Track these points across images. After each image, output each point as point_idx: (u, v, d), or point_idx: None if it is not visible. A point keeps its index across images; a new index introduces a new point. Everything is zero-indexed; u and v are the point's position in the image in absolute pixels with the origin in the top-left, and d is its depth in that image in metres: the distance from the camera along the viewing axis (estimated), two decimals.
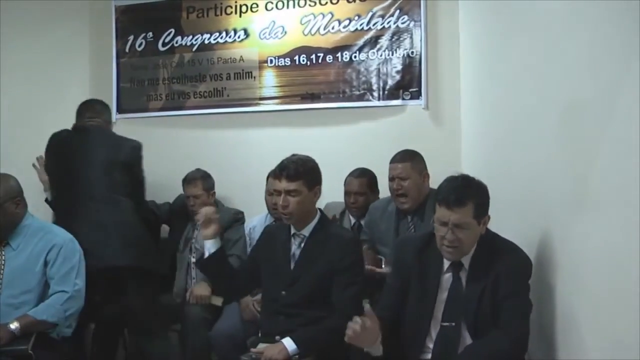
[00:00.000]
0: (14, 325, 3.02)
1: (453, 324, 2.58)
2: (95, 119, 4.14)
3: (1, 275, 3.18)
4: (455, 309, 2.60)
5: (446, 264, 2.64)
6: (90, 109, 4.18)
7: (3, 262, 3.20)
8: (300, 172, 2.95)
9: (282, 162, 3.01)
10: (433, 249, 2.66)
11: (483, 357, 2.47)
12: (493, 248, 2.58)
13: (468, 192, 2.54)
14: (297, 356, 2.82)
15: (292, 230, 3.08)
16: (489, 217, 2.60)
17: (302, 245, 3.05)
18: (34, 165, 4.43)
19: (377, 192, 4.16)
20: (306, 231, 3.06)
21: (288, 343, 2.84)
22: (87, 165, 3.90)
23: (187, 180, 4.34)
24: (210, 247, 3.08)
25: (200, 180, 4.31)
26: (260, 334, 3.18)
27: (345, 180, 4.20)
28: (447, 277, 2.64)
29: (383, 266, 3.68)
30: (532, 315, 2.53)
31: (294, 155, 3.06)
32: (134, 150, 4.02)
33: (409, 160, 3.74)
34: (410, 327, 2.68)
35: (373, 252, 3.78)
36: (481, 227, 2.57)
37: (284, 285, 3.01)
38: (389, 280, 2.92)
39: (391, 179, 3.76)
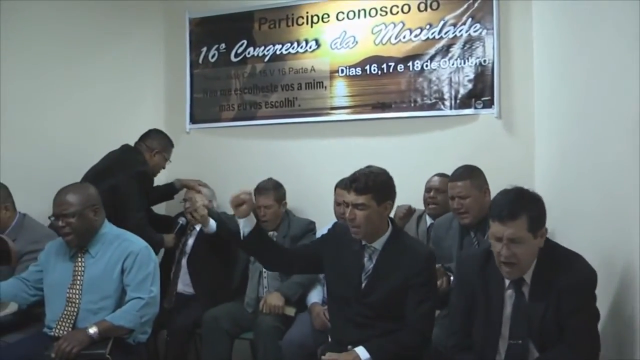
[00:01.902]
0: (92, 330, 3.09)
1: (520, 341, 2.53)
2: (140, 142, 4.58)
3: (81, 281, 3.26)
4: (520, 325, 2.54)
5: (508, 279, 2.59)
6: (146, 133, 4.63)
7: (83, 269, 3.28)
8: (369, 186, 2.88)
9: (355, 173, 2.94)
10: (494, 265, 2.60)
11: None
12: (554, 261, 2.52)
13: (520, 205, 2.47)
14: None
15: (363, 242, 3.02)
16: (546, 230, 2.53)
17: (375, 258, 3.00)
18: None
19: None
20: (378, 244, 3.00)
21: (361, 352, 2.83)
22: (92, 177, 4.20)
23: (259, 190, 4.37)
24: (244, 226, 2.98)
25: (272, 190, 4.34)
26: (330, 339, 3.17)
27: (428, 180, 4.19)
28: (510, 293, 2.59)
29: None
30: (608, 328, 2.48)
31: (368, 166, 2.98)
32: (129, 176, 4.27)
33: (468, 178, 3.64)
34: (479, 345, 2.64)
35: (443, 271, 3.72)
36: (538, 240, 2.50)
37: (355, 296, 2.96)
38: (454, 300, 2.87)
39: (451, 198, 3.67)
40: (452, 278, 3.67)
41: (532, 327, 2.50)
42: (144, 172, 4.41)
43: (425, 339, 2.92)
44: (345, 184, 2.98)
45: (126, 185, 4.24)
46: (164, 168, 4.70)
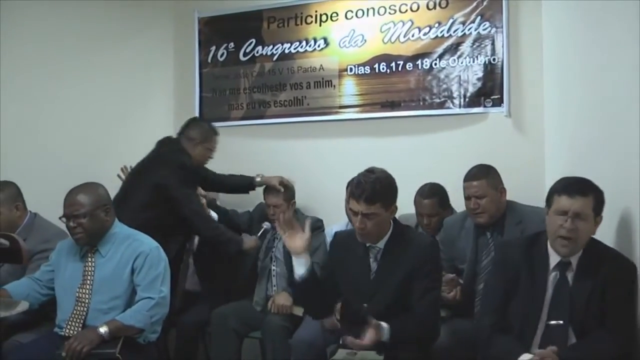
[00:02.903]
0: (103, 329, 3.09)
1: (561, 322, 2.57)
2: (180, 134, 4.33)
3: (91, 281, 3.27)
4: (560, 308, 2.59)
5: (552, 262, 2.66)
6: (186, 123, 4.40)
7: (93, 268, 3.29)
8: (378, 193, 2.85)
9: (360, 180, 2.90)
10: (539, 249, 2.70)
11: (589, 356, 2.47)
12: (599, 251, 2.61)
13: (589, 185, 2.61)
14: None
15: (367, 244, 3.02)
16: (601, 218, 2.61)
17: (379, 257, 3.00)
18: (118, 175, 4.56)
19: (450, 208, 4.06)
20: (381, 244, 3.00)
21: (385, 331, 2.78)
22: (133, 179, 4.14)
23: (269, 190, 4.38)
24: (298, 266, 2.91)
25: (280, 192, 4.34)
26: (341, 342, 3.17)
27: (415, 200, 4.03)
28: (554, 276, 2.65)
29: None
30: None
31: (370, 171, 2.94)
32: (170, 171, 4.04)
33: (484, 177, 3.62)
34: (518, 326, 2.68)
35: (452, 280, 3.67)
36: (595, 225, 2.60)
37: (364, 298, 2.96)
38: (491, 281, 2.90)
39: (467, 198, 3.64)
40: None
41: (574, 311, 2.56)
42: (182, 162, 4.15)
43: (433, 329, 2.92)
44: (353, 194, 2.92)
45: (170, 183, 4.01)
46: (211, 157, 4.45)
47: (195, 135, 4.31)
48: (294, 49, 5.00)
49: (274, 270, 4.28)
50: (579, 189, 2.57)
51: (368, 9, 4.75)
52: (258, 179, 4.54)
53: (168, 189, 3.99)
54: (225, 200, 4.86)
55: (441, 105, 4.56)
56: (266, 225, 4.38)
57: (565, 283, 2.62)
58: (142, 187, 3.99)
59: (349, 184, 4.03)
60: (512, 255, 2.79)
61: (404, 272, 2.91)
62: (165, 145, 4.29)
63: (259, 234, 4.34)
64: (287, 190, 4.37)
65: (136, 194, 4.01)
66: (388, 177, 2.95)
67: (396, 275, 2.93)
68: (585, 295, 2.54)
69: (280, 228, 3.00)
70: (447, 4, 4.52)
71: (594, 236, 2.65)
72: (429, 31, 4.57)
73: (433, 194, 4.00)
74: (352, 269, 3.05)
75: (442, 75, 4.55)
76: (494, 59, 4.41)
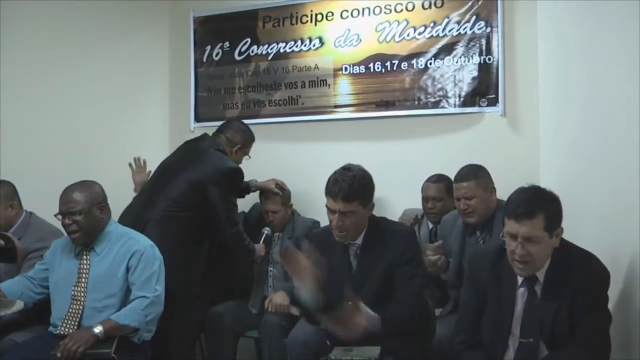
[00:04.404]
0: (97, 329, 3.09)
1: (531, 340, 2.51)
2: (219, 134, 4.22)
3: (86, 279, 3.27)
4: (531, 324, 2.53)
5: (520, 277, 2.57)
6: (225, 124, 4.30)
7: (88, 267, 3.29)
8: (355, 191, 2.87)
9: (336, 179, 2.91)
10: (506, 262, 2.58)
11: None
12: (568, 260, 2.50)
13: (537, 204, 2.46)
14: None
15: (345, 242, 3.03)
16: (562, 230, 2.51)
17: (359, 253, 3.01)
18: (130, 164, 4.54)
19: (453, 199, 4.10)
20: (359, 240, 3.02)
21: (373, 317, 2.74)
22: (166, 175, 4.01)
23: (266, 196, 4.37)
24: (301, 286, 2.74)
25: (278, 195, 4.33)
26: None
27: (423, 186, 4.15)
28: (522, 292, 2.58)
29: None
30: (614, 327, 2.46)
31: (347, 169, 2.96)
32: (219, 173, 3.91)
33: (473, 178, 3.64)
34: (488, 343, 2.64)
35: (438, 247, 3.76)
36: (554, 240, 2.48)
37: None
38: (465, 297, 2.86)
39: (457, 199, 3.67)
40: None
41: (544, 326, 2.49)
42: (232, 167, 4.01)
43: (416, 314, 2.88)
44: (330, 192, 2.92)
45: (217, 183, 3.88)
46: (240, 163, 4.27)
47: (238, 139, 4.23)
48: (289, 48, 4.99)
49: (270, 272, 4.29)
50: (526, 212, 2.42)
51: (363, 9, 4.74)
52: (253, 184, 4.48)
53: (209, 190, 3.86)
54: None
55: (436, 105, 4.55)
56: (267, 230, 4.33)
57: (534, 298, 2.54)
58: (176, 182, 3.89)
59: None
60: (480, 268, 2.73)
61: (384, 265, 2.92)
62: (205, 142, 4.17)
63: (262, 240, 4.27)
64: (283, 193, 4.36)
65: (168, 189, 3.89)
66: (365, 174, 2.97)
67: (377, 269, 2.94)
68: (553, 310, 2.47)
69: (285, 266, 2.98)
70: (443, 3, 4.52)
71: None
72: (424, 31, 4.57)
73: (440, 180, 4.10)
74: (332, 268, 3.02)
75: (437, 75, 4.54)
76: (489, 59, 4.41)
